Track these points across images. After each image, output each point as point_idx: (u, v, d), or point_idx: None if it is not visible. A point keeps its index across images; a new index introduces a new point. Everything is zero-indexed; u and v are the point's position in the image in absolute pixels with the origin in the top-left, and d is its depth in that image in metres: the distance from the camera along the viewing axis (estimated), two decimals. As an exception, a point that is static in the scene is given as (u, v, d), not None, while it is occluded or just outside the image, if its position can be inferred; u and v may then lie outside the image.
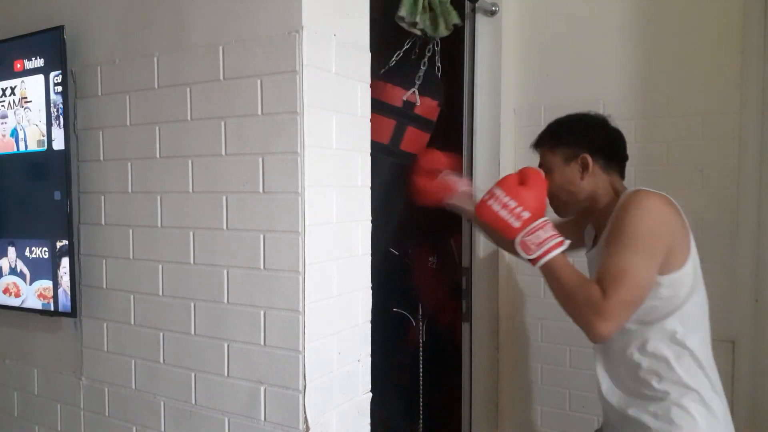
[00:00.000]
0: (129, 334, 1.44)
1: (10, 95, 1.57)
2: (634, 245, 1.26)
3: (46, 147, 1.51)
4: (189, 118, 1.31)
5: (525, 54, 2.20)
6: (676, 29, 1.97)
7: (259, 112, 1.21)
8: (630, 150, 1.51)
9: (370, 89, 1.37)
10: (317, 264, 1.21)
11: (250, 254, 1.23)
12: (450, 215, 1.80)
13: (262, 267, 1.22)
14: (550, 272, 1.31)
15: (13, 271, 1.60)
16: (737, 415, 1.55)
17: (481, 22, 2.14)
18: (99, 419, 1.52)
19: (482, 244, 2.13)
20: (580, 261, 1.48)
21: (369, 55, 1.37)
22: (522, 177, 1.38)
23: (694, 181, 1.94)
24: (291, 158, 1.17)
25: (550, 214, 1.43)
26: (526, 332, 2.24)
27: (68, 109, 1.48)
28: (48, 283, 1.54)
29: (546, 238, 1.31)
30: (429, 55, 1.81)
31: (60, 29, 1.46)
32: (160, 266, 1.38)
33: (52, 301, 1.53)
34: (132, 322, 1.44)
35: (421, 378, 2.23)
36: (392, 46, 1.80)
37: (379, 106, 1.59)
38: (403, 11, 1.71)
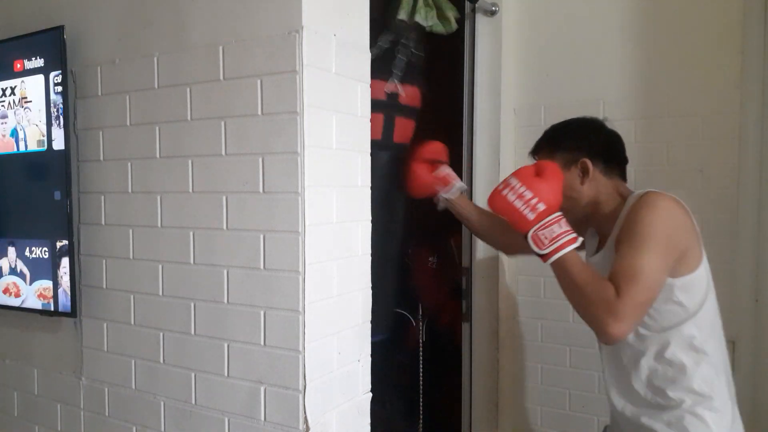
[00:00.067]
0: (129, 334, 1.44)
1: (10, 95, 1.57)
2: (647, 245, 1.23)
3: (46, 147, 1.51)
4: (189, 118, 1.31)
5: (525, 54, 2.20)
6: (676, 29, 1.97)
7: (259, 112, 1.21)
8: (630, 150, 1.51)
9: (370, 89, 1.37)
10: (317, 264, 1.21)
11: (250, 254, 1.23)
12: (450, 215, 1.80)
13: (262, 267, 1.22)
14: (562, 269, 1.27)
15: (13, 271, 1.60)
16: (737, 415, 1.55)
17: (481, 22, 2.14)
18: (99, 419, 1.52)
19: (482, 244, 2.13)
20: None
21: (369, 55, 1.37)
22: (538, 169, 1.34)
23: (694, 181, 1.94)
24: (291, 158, 1.17)
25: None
26: (526, 332, 2.24)
27: (68, 109, 1.48)
28: (48, 283, 1.54)
29: (560, 233, 1.27)
30: (403, 42, 1.77)
31: (60, 29, 1.45)
32: (160, 266, 1.38)
33: (52, 301, 1.53)
34: (132, 322, 1.44)
35: (421, 378, 2.22)
36: (374, 42, 1.78)
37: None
38: (402, 14, 1.71)
